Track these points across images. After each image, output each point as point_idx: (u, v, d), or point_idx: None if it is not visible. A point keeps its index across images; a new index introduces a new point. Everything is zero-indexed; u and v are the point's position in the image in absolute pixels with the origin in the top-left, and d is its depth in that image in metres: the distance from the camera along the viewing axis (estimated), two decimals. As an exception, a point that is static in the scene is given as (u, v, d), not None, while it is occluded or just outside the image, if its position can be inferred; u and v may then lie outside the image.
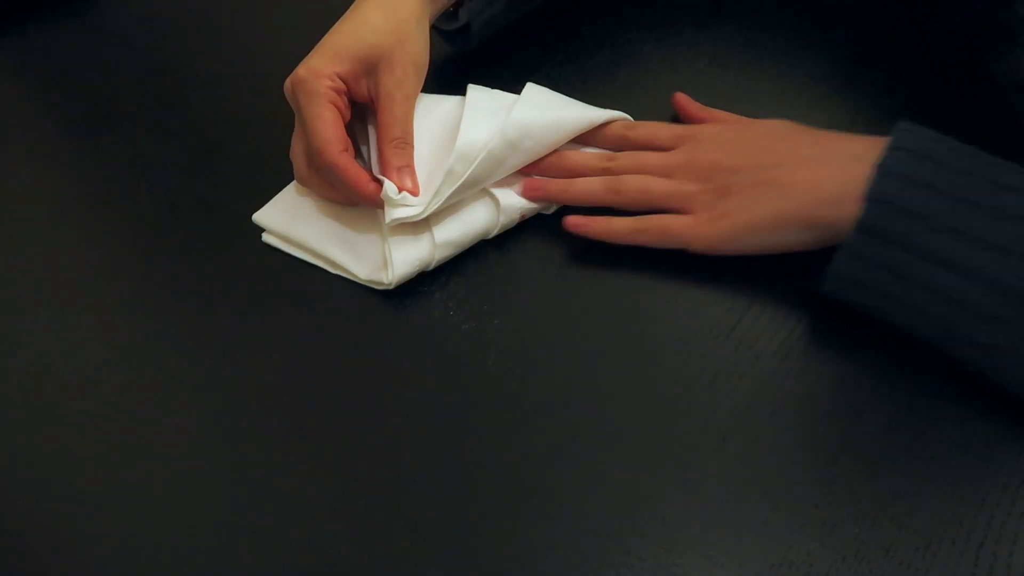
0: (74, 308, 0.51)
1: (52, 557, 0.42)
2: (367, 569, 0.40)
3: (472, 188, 0.49)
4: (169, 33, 0.68)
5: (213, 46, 0.67)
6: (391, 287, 0.49)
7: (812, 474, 0.41)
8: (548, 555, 0.40)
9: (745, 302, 0.47)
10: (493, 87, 0.53)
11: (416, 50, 0.50)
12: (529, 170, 0.52)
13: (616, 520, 0.41)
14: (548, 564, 0.40)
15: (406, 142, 0.49)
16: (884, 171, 0.41)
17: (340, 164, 0.47)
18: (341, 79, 0.48)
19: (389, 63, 0.49)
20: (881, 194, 0.40)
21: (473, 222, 0.50)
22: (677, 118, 0.55)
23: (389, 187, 0.47)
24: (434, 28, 0.54)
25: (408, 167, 0.49)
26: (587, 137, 0.53)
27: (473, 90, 0.52)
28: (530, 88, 0.52)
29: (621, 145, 0.52)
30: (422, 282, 0.50)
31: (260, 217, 0.53)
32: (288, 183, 0.54)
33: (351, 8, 0.51)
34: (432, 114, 0.52)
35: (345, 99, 0.49)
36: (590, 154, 0.52)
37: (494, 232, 0.51)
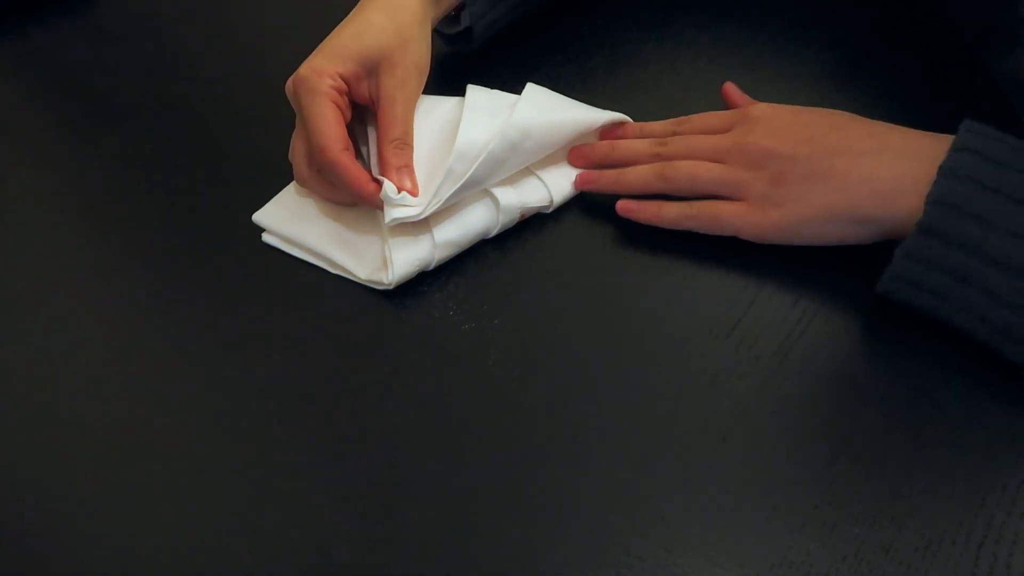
0: (74, 308, 0.51)
1: (52, 557, 0.42)
2: (367, 569, 0.40)
3: (472, 189, 0.49)
4: (169, 33, 0.68)
5: (213, 46, 0.67)
6: (391, 287, 0.49)
7: (812, 474, 0.41)
8: (548, 555, 0.40)
9: (745, 302, 0.47)
10: (493, 87, 0.53)
11: (418, 53, 0.50)
12: (580, 161, 0.52)
13: (616, 520, 0.41)
14: (548, 564, 0.40)
15: (406, 143, 0.49)
16: (948, 173, 0.40)
17: (341, 163, 0.47)
18: (343, 79, 0.48)
19: (391, 65, 0.49)
20: (944, 196, 0.40)
21: (473, 222, 0.50)
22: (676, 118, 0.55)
23: (388, 187, 0.47)
24: (435, 32, 0.54)
25: (407, 167, 0.49)
26: (635, 135, 0.53)
27: (472, 91, 0.52)
28: (530, 89, 0.52)
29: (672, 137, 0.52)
30: (422, 282, 0.50)
31: (260, 217, 0.53)
32: (288, 183, 0.54)
33: (354, 10, 0.51)
34: (432, 115, 0.52)
35: (346, 99, 0.49)
36: (642, 141, 0.52)
37: (494, 232, 0.51)
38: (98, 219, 0.56)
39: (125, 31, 0.69)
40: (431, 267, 0.50)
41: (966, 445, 0.42)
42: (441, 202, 0.48)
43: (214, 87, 0.63)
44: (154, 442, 0.45)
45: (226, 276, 0.52)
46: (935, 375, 0.44)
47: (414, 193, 0.48)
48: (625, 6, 0.64)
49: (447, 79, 0.58)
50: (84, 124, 0.62)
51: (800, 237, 0.46)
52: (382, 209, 0.48)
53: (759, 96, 0.54)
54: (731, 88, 0.54)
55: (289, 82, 0.49)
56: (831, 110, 0.48)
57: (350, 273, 0.50)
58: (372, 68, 0.49)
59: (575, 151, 0.53)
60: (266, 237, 0.53)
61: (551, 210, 0.52)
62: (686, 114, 0.53)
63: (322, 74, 0.48)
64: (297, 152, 0.51)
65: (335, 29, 0.50)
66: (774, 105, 0.50)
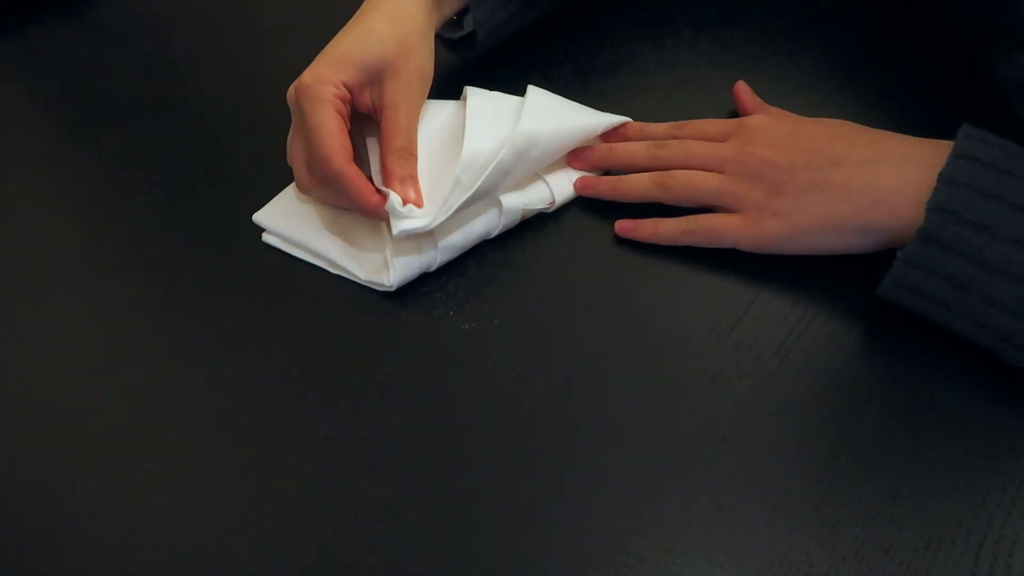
0: (74, 308, 0.51)
1: (52, 557, 0.42)
2: (367, 569, 0.40)
3: (480, 199, 0.49)
4: (169, 33, 0.68)
5: (213, 46, 0.67)
6: (392, 289, 0.49)
7: (812, 474, 0.41)
8: (548, 555, 0.40)
9: (745, 302, 0.47)
10: (492, 87, 0.53)
11: (421, 61, 0.50)
12: (580, 164, 0.53)
13: (616, 520, 0.41)
14: (548, 564, 0.40)
15: (410, 153, 0.49)
16: (947, 179, 0.40)
17: (347, 173, 0.47)
18: (346, 87, 0.48)
19: (394, 73, 0.49)
20: (944, 203, 0.40)
21: (475, 224, 0.50)
22: (675, 119, 0.55)
23: (395, 200, 0.47)
24: (438, 37, 0.54)
25: (411, 177, 0.49)
26: (635, 136, 0.53)
27: (472, 94, 0.52)
28: (532, 93, 0.52)
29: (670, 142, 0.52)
30: (422, 282, 0.50)
31: (260, 217, 0.53)
32: (288, 183, 0.54)
33: (356, 16, 0.51)
34: (434, 122, 0.52)
35: (349, 107, 0.49)
36: (639, 144, 0.52)
37: (495, 232, 0.51)
38: (98, 219, 0.56)
39: (125, 31, 0.69)
40: (432, 269, 0.50)
41: (966, 445, 0.42)
42: (449, 213, 0.47)
43: (214, 87, 0.63)
44: (154, 442, 0.45)
45: (226, 276, 0.52)
46: (935, 375, 0.44)
47: (418, 204, 0.48)
48: (625, 6, 0.64)
49: (447, 79, 0.58)
50: (84, 124, 0.62)
51: (801, 247, 0.46)
52: (386, 220, 0.48)
53: (759, 96, 0.54)
54: (742, 88, 0.54)
55: (291, 89, 0.49)
56: (831, 120, 0.48)
57: (350, 274, 0.50)
58: (375, 76, 0.49)
59: (574, 154, 0.53)
60: (266, 237, 0.53)
61: (552, 209, 0.52)
62: (685, 115, 0.53)
63: (325, 82, 0.47)
64: (296, 158, 0.51)
65: (337, 36, 0.50)
66: (773, 115, 0.50)
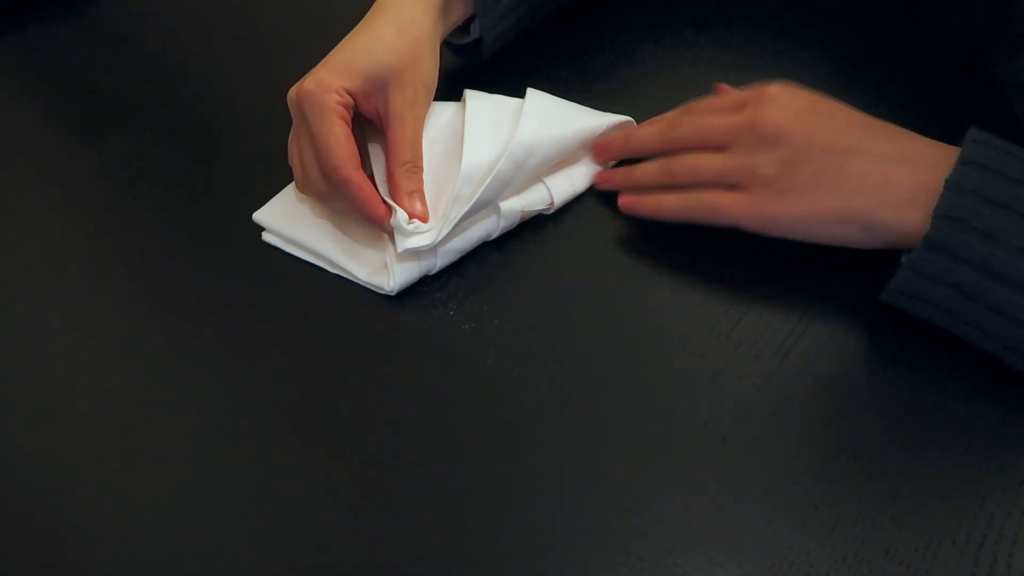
0: (74, 308, 0.51)
1: (52, 557, 0.42)
2: (367, 569, 0.40)
3: (480, 209, 0.49)
4: (169, 33, 0.68)
5: (213, 46, 0.67)
6: (392, 294, 0.49)
7: (812, 474, 0.41)
8: (548, 555, 0.40)
9: (745, 302, 0.47)
10: (493, 87, 0.53)
11: (427, 71, 0.50)
12: (600, 157, 0.53)
13: (616, 520, 0.41)
14: (548, 564, 0.40)
15: (417, 166, 0.49)
16: (954, 186, 0.40)
17: (355, 182, 0.47)
18: (350, 94, 0.48)
19: (400, 83, 0.48)
20: (950, 210, 0.39)
21: (474, 229, 0.50)
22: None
23: (401, 216, 0.47)
24: (444, 43, 0.54)
25: (418, 191, 0.48)
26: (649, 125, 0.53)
27: (471, 98, 0.52)
28: (531, 97, 0.52)
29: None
30: (422, 282, 0.50)
31: (260, 216, 0.53)
32: (288, 182, 0.54)
33: (363, 23, 0.50)
34: (434, 128, 0.52)
35: (352, 113, 0.49)
36: (653, 129, 0.51)
37: (495, 235, 0.51)
38: (98, 219, 0.56)
39: (125, 31, 0.69)
40: (432, 273, 0.50)
41: (966, 445, 0.42)
42: (451, 226, 0.48)
43: (214, 87, 0.63)
44: (154, 442, 0.45)
45: (226, 276, 0.52)
46: (935, 376, 0.44)
47: (424, 218, 0.48)
48: (625, 6, 0.64)
49: (447, 79, 0.58)
50: (84, 124, 0.62)
51: (803, 234, 0.44)
52: (390, 233, 0.48)
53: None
54: (725, 89, 0.53)
55: (292, 93, 0.49)
56: (851, 107, 0.46)
57: (350, 273, 0.50)
58: (380, 85, 0.48)
59: (597, 147, 0.53)
60: (266, 236, 0.53)
61: (551, 212, 0.52)
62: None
63: (328, 89, 0.47)
64: (296, 159, 0.50)
65: (342, 41, 0.50)
66: (794, 86, 0.47)
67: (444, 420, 0.45)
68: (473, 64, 0.59)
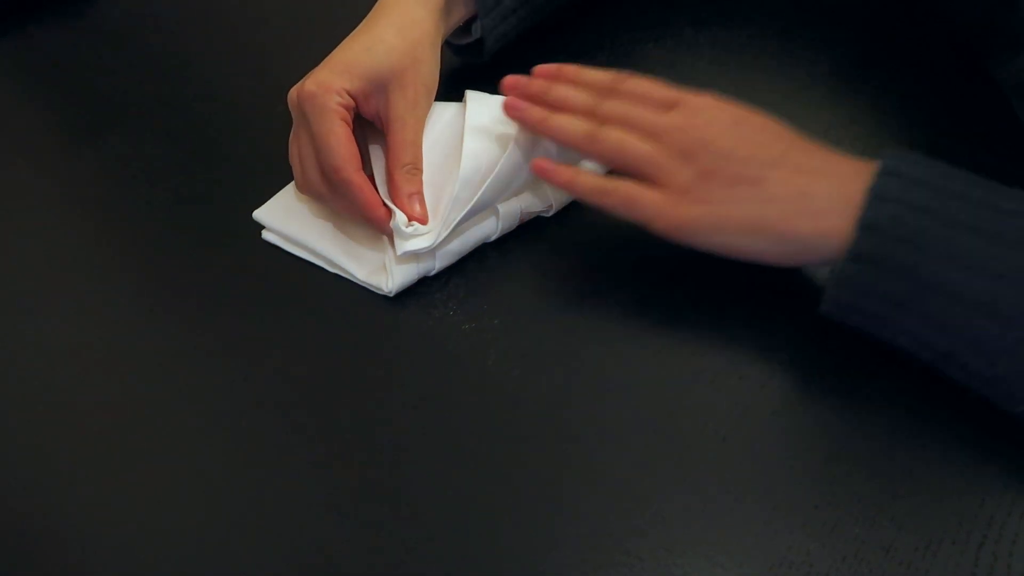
0: (74, 308, 0.51)
1: (52, 557, 0.42)
2: (367, 569, 0.40)
3: (479, 212, 0.49)
4: (169, 33, 0.68)
5: (213, 46, 0.67)
6: (391, 295, 0.49)
7: (812, 474, 0.41)
8: (548, 555, 0.40)
9: (747, 301, 0.47)
10: (493, 87, 0.53)
11: (428, 72, 0.50)
12: (513, 91, 0.49)
13: (616, 520, 0.41)
14: (548, 564, 0.40)
15: (417, 168, 0.49)
16: (877, 195, 0.39)
17: (356, 183, 0.47)
18: (350, 95, 0.48)
19: (401, 85, 0.48)
20: (874, 220, 0.39)
21: (473, 232, 0.50)
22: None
23: (400, 219, 0.47)
24: (445, 43, 0.54)
25: (418, 194, 0.48)
26: (573, 78, 0.50)
27: (472, 100, 0.52)
28: None
29: (610, 96, 0.48)
30: (422, 282, 0.50)
31: (260, 215, 0.53)
32: (288, 182, 0.54)
33: (364, 24, 0.50)
34: (435, 129, 0.52)
35: (353, 114, 0.49)
36: (579, 92, 0.49)
37: (494, 237, 0.51)
38: (98, 219, 0.56)
39: (125, 31, 0.69)
40: (431, 274, 0.50)
41: (966, 445, 0.42)
42: (449, 229, 0.48)
43: (214, 87, 0.63)
44: (154, 442, 0.45)
45: (226, 276, 0.52)
46: (935, 375, 0.44)
47: (423, 220, 0.48)
48: (625, 6, 0.64)
49: (447, 77, 0.58)
50: (84, 124, 0.62)
51: (715, 243, 0.43)
52: (389, 235, 0.48)
53: (759, 97, 0.54)
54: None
55: (293, 93, 0.49)
56: (777, 121, 0.46)
57: (348, 273, 0.50)
58: (381, 86, 0.48)
59: (509, 78, 0.50)
60: (266, 235, 0.53)
61: (551, 213, 0.52)
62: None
63: (330, 90, 0.47)
64: (296, 161, 0.50)
65: (344, 42, 0.50)
66: (720, 98, 0.47)
67: (444, 420, 0.45)
68: (474, 64, 0.59)
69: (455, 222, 0.48)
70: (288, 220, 0.52)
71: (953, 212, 0.38)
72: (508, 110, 0.48)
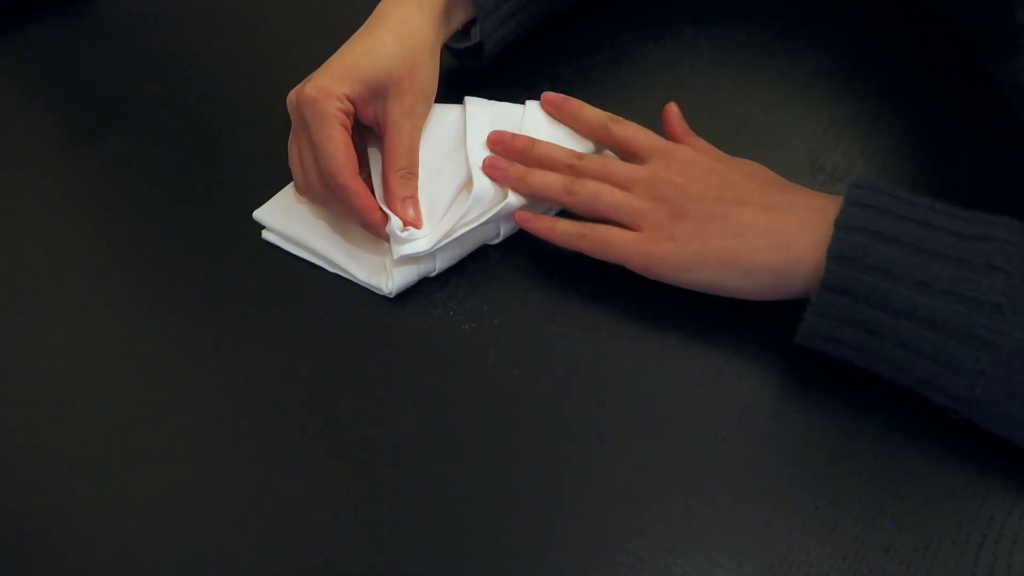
0: (74, 308, 0.51)
1: (52, 557, 0.42)
2: (367, 569, 0.40)
3: (482, 226, 0.49)
4: (169, 33, 0.68)
5: (213, 46, 0.67)
6: (391, 296, 0.49)
7: (812, 474, 0.41)
8: (548, 555, 0.40)
9: (747, 302, 0.47)
10: (493, 88, 0.53)
11: (427, 78, 0.50)
12: (498, 147, 0.51)
13: (616, 520, 0.41)
14: (548, 564, 0.40)
15: (412, 172, 0.49)
16: (844, 225, 0.40)
17: (353, 188, 0.47)
18: (349, 100, 0.48)
19: (399, 90, 0.49)
20: (843, 250, 0.39)
21: (473, 234, 0.50)
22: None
23: (395, 223, 0.47)
24: (444, 46, 0.54)
25: (412, 198, 0.49)
26: (569, 120, 0.52)
27: (472, 105, 0.52)
28: (531, 109, 0.52)
29: (601, 137, 0.51)
30: (422, 282, 0.50)
31: (260, 214, 0.53)
32: (288, 182, 0.54)
33: (363, 28, 0.50)
34: (434, 132, 0.52)
35: (351, 119, 0.49)
36: (560, 149, 0.50)
37: (496, 241, 0.51)
38: (98, 219, 0.56)
39: (125, 31, 0.69)
40: (432, 275, 0.50)
41: (966, 445, 0.42)
42: (450, 239, 0.48)
43: (214, 87, 0.63)
44: (154, 442, 0.45)
45: (226, 276, 0.52)
46: (935, 375, 0.44)
47: (417, 224, 0.48)
48: (625, 6, 0.64)
49: (447, 81, 0.58)
50: (84, 124, 0.62)
51: (690, 279, 0.45)
52: (386, 239, 0.48)
53: (759, 97, 0.54)
54: (672, 111, 0.52)
55: (292, 97, 0.49)
56: (754, 164, 0.47)
57: (348, 273, 0.50)
58: (380, 92, 0.49)
59: (495, 134, 0.51)
60: (266, 234, 0.53)
61: (552, 214, 0.52)
62: (685, 115, 0.53)
63: (329, 95, 0.47)
64: (298, 164, 0.50)
65: (343, 47, 0.50)
66: (698, 148, 0.49)
67: (444, 420, 0.45)
68: (473, 65, 0.59)
69: (457, 235, 0.48)
70: (288, 220, 0.52)
71: (919, 239, 0.39)
72: (488, 170, 0.50)
